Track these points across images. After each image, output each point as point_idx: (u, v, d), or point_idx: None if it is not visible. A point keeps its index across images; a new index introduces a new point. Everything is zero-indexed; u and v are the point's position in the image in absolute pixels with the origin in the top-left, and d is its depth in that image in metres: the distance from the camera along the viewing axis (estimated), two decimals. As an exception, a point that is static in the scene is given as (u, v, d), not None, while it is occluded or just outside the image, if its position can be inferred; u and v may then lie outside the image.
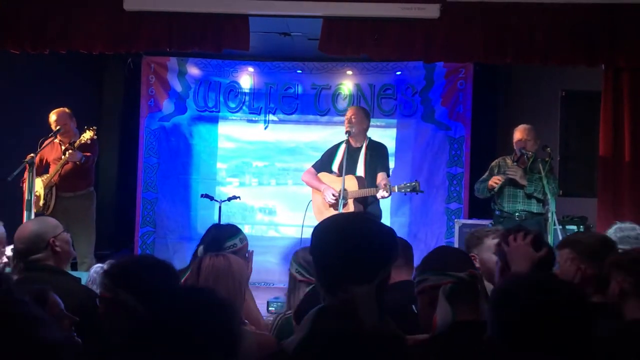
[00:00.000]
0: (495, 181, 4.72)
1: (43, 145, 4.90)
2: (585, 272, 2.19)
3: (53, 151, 5.07)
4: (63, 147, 4.96)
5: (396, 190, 4.60)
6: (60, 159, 4.95)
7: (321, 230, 1.38)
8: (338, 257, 1.31)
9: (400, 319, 1.46)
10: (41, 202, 4.96)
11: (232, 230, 2.96)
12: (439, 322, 1.55)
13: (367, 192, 4.62)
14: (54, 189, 4.99)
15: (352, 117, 4.74)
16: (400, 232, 6.38)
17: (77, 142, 4.88)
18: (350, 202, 4.62)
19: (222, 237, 2.87)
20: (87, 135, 4.87)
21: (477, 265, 2.55)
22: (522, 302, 1.26)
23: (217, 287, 2.13)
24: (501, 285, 1.40)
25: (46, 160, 5.10)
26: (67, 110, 5.06)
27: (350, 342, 1.23)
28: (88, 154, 4.96)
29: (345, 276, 1.30)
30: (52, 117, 5.00)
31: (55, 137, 5.01)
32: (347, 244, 1.32)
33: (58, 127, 4.95)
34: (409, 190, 4.60)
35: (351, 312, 1.27)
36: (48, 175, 5.02)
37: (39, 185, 4.97)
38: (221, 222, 3.11)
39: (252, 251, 2.92)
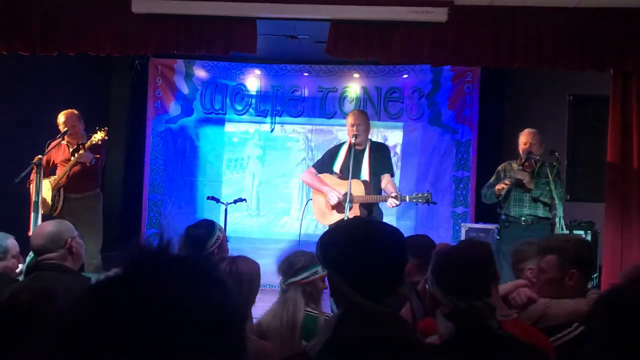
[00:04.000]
0: (503, 185, 4.70)
1: (50, 147, 4.91)
2: (575, 276, 2.33)
3: (60, 153, 5.08)
4: (71, 149, 4.97)
5: (407, 200, 4.59)
6: (68, 160, 4.95)
7: (350, 244, 1.36)
8: (383, 266, 1.33)
9: None
10: (49, 203, 4.97)
11: (209, 226, 2.96)
12: (442, 332, 1.53)
13: (374, 198, 4.62)
14: (61, 190, 5.00)
15: (359, 124, 4.73)
16: (406, 236, 6.37)
17: (89, 142, 4.88)
18: (356, 206, 4.62)
19: (201, 236, 2.87)
20: (99, 135, 4.87)
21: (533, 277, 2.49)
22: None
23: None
24: (611, 296, 1.31)
25: (53, 162, 5.10)
26: (75, 111, 5.07)
27: (384, 347, 1.24)
28: (98, 155, 4.97)
29: (391, 281, 1.33)
30: (61, 118, 5.01)
31: (63, 139, 5.03)
32: (385, 251, 1.34)
33: (66, 129, 4.96)
34: (421, 201, 4.57)
35: (394, 317, 1.28)
36: (56, 176, 5.02)
37: (47, 186, 4.98)
38: (198, 221, 3.14)
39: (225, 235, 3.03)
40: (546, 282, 2.36)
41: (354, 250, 1.34)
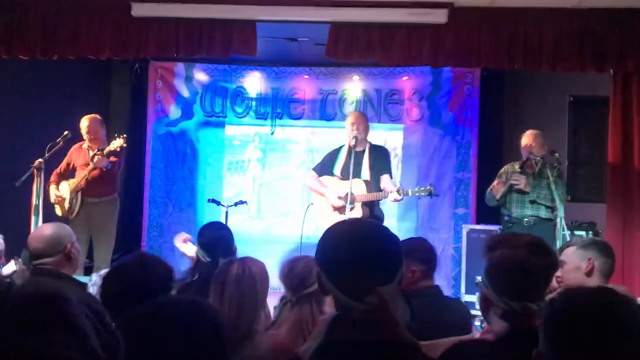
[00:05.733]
0: (498, 188, 4.72)
1: (52, 151, 4.91)
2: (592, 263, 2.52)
3: (81, 156, 5.11)
4: (91, 153, 4.99)
5: (410, 194, 4.59)
6: (88, 164, 4.97)
7: (336, 240, 1.37)
8: (362, 261, 1.31)
9: (425, 325, 1.54)
10: (66, 206, 4.99)
11: (225, 226, 3.10)
12: (496, 331, 1.66)
13: (376, 196, 4.62)
14: (79, 193, 5.01)
15: (359, 124, 4.74)
16: (405, 239, 6.36)
17: (107, 149, 4.91)
18: (358, 205, 4.62)
19: (231, 240, 2.99)
20: (118, 142, 4.90)
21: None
22: (581, 316, 1.20)
23: (245, 298, 2.13)
24: (561, 299, 1.34)
25: (73, 165, 5.14)
26: (98, 117, 5.12)
27: (376, 350, 1.22)
28: (114, 159, 4.98)
29: (372, 279, 1.30)
30: (84, 122, 5.04)
31: (64, 142, 5.03)
32: (368, 247, 1.32)
33: (66, 132, 4.96)
34: (424, 194, 4.57)
35: (380, 318, 1.26)
36: (75, 180, 5.04)
37: (66, 189, 5.02)
38: (213, 224, 3.30)
39: None
40: (565, 273, 2.53)
41: (335, 248, 1.34)
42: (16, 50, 4.82)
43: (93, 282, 2.71)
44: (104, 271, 2.86)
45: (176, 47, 4.80)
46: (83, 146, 5.12)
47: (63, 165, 5.12)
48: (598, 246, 2.60)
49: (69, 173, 5.14)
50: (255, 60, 6.14)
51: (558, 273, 2.50)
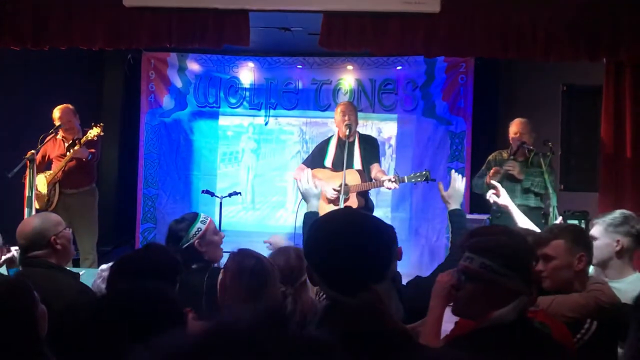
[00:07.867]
0: (494, 171, 4.71)
1: (44, 142, 4.89)
2: (584, 259, 2.27)
3: (55, 148, 5.06)
4: (66, 144, 4.95)
5: (406, 181, 4.58)
6: (64, 155, 4.93)
7: (323, 237, 1.34)
8: (356, 256, 1.28)
9: None
10: (45, 199, 4.96)
11: (189, 218, 2.89)
12: (495, 316, 1.53)
13: (371, 185, 4.63)
14: (57, 185, 4.98)
15: (350, 114, 4.75)
16: (401, 228, 6.39)
17: (84, 138, 4.87)
18: (353, 196, 4.63)
19: (180, 230, 2.81)
20: (94, 131, 4.86)
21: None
22: None
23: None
24: None
25: (48, 157, 5.09)
26: (70, 106, 5.06)
27: (373, 341, 1.22)
28: (93, 150, 4.95)
29: (366, 275, 1.27)
30: (56, 113, 4.99)
31: (56, 134, 5.00)
32: (363, 242, 1.29)
33: (59, 124, 4.94)
34: (420, 179, 4.56)
35: (374, 310, 1.26)
36: (51, 172, 5.01)
37: (42, 181, 4.97)
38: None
39: (223, 234, 2.96)
40: (554, 269, 2.23)
41: (323, 245, 1.32)
42: (7, 40, 4.77)
43: (103, 278, 2.70)
44: (107, 265, 2.84)
45: (169, 37, 4.77)
46: (57, 137, 5.07)
47: (37, 157, 5.07)
48: (585, 239, 2.34)
49: (44, 165, 5.09)
50: (248, 51, 6.11)
51: (540, 267, 2.21)
